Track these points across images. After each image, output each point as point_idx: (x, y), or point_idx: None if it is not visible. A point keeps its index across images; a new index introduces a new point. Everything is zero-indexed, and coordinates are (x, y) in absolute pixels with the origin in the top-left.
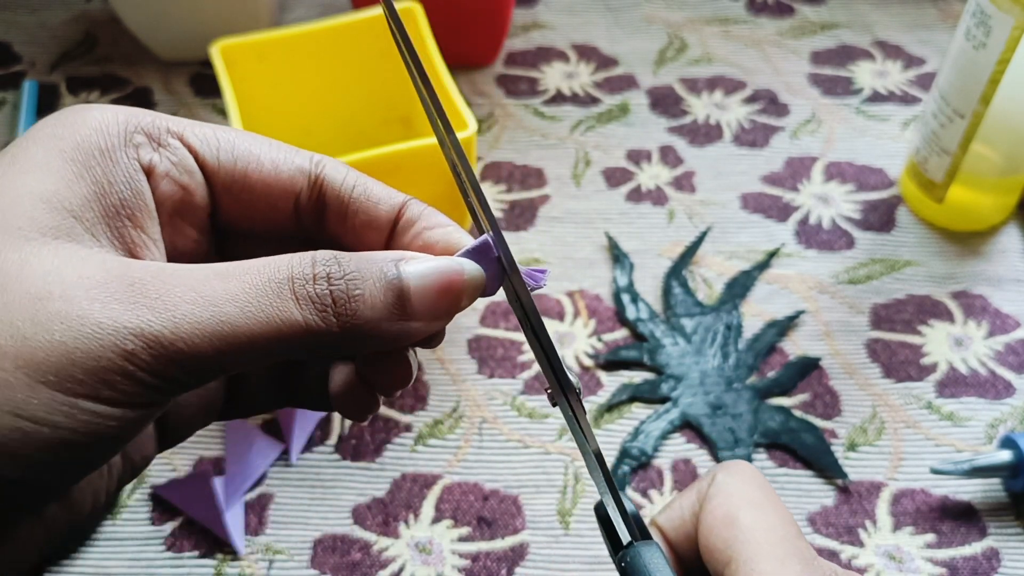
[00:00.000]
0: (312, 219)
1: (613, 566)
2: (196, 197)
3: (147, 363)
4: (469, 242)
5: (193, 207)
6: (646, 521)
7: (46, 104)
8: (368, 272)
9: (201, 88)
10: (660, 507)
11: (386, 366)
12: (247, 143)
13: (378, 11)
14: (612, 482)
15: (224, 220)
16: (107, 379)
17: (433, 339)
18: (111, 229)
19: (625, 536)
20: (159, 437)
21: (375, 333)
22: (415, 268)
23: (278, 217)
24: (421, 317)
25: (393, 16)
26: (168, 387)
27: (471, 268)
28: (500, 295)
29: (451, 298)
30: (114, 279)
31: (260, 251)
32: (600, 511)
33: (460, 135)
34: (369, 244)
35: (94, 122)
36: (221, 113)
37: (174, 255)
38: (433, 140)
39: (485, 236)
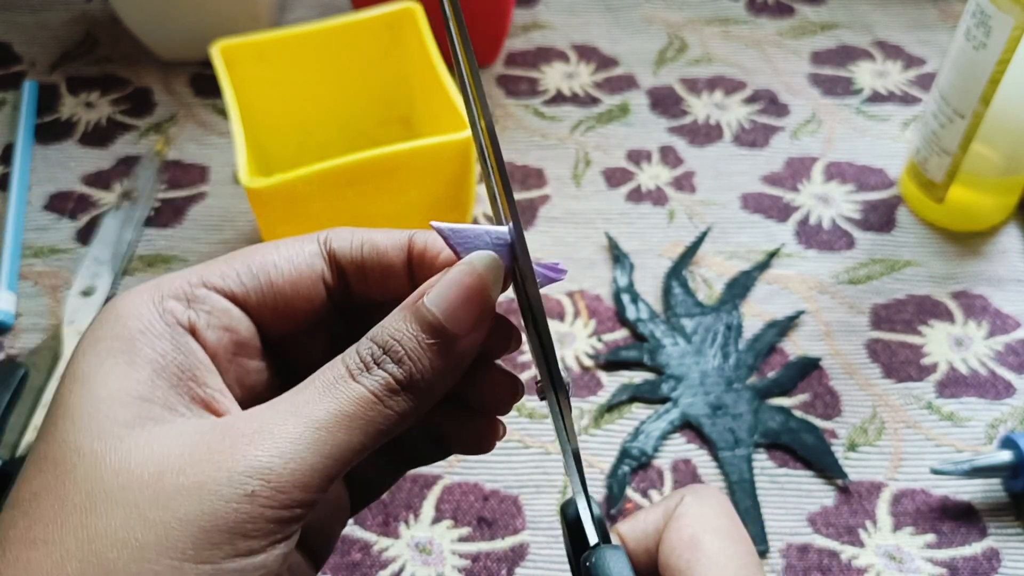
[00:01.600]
0: (342, 294)
1: None
2: (243, 332)
3: (270, 498)
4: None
5: (244, 342)
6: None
7: (46, 104)
8: (398, 331)
9: (201, 88)
10: None
11: (478, 386)
12: (263, 258)
13: (378, 11)
14: (585, 484)
15: (274, 336)
16: (239, 531)
17: (510, 341)
18: (182, 396)
19: (593, 537)
20: (309, 560)
21: (438, 375)
22: (432, 296)
23: (316, 307)
24: (463, 332)
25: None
26: (296, 512)
27: (482, 261)
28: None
29: (478, 300)
30: (209, 437)
31: (315, 347)
32: (567, 511)
33: (460, 135)
34: (395, 293)
35: (126, 310)
36: (221, 113)
37: (248, 392)
38: (432, 140)
39: (492, 227)
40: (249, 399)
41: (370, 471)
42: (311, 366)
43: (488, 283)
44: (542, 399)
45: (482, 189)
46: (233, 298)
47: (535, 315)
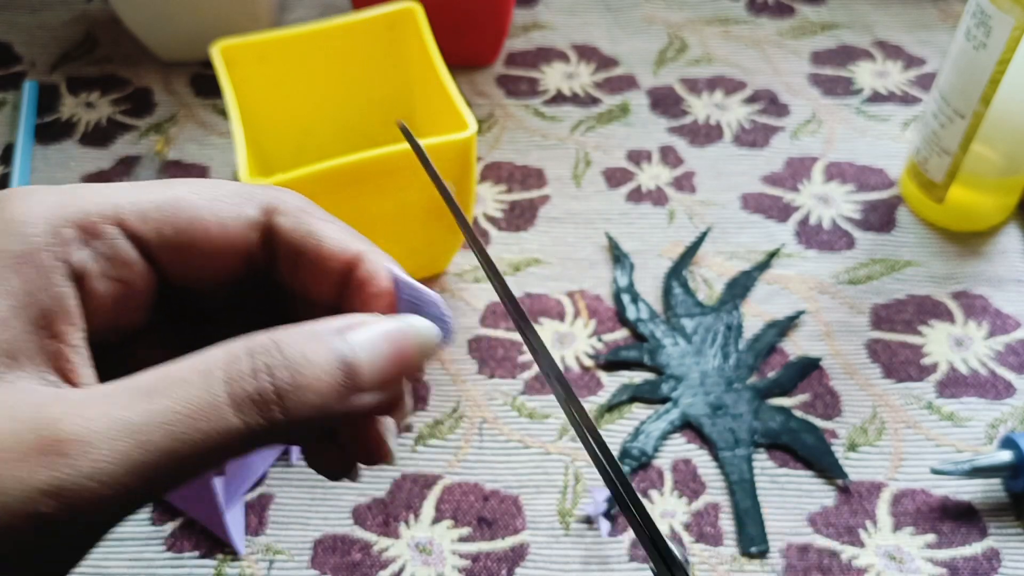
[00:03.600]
0: (267, 268)
1: (613, 566)
2: (137, 286)
3: (66, 522)
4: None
5: (135, 295)
6: None
7: (46, 104)
8: (314, 353)
9: (201, 88)
10: (660, 508)
11: (350, 436)
12: (191, 206)
13: (378, 11)
14: None
15: (175, 286)
16: (23, 553)
17: (395, 410)
18: (32, 345)
19: None
20: None
21: (324, 416)
22: (362, 336)
23: (232, 273)
24: (372, 388)
25: (419, 152)
26: (94, 533)
27: (427, 334)
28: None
29: (404, 363)
30: (23, 428)
31: (217, 309)
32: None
33: (461, 135)
34: (319, 295)
35: (19, 217)
36: (221, 113)
37: (121, 335)
38: (433, 140)
39: (442, 304)
40: (121, 340)
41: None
42: (201, 312)
43: (422, 358)
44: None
45: (482, 189)
46: (143, 246)
47: (633, 507)
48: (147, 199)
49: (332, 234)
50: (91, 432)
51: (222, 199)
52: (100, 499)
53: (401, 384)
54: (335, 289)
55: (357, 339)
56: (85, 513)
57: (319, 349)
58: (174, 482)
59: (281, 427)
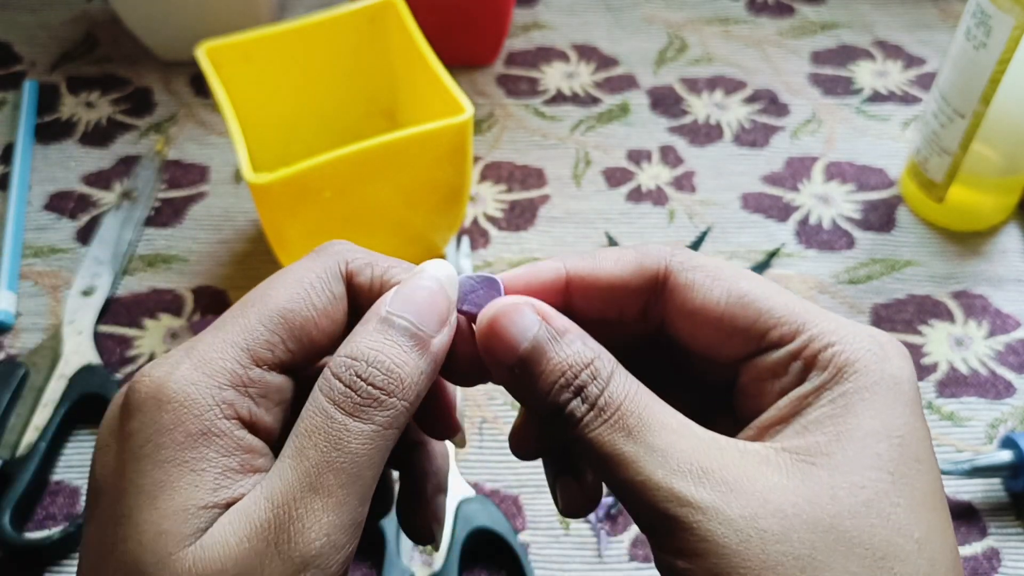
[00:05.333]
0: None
1: (613, 566)
2: (288, 394)
3: None
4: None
5: (287, 398)
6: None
7: (46, 104)
8: (375, 342)
9: (201, 88)
10: None
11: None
12: (300, 315)
13: (357, 5)
14: None
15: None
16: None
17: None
18: (243, 478)
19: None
20: None
21: (421, 380)
22: (397, 305)
23: (337, 340)
24: (434, 331)
25: None
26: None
27: (434, 266)
28: None
29: (441, 298)
30: (265, 537)
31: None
32: None
33: (459, 118)
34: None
35: (183, 402)
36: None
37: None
38: (435, 125)
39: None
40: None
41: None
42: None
43: (444, 283)
44: None
45: (482, 188)
46: (282, 369)
47: None
48: (266, 331)
49: (394, 266)
50: (309, 517)
51: (313, 292)
52: (341, 552)
53: (451, 316)
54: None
55: (392, 308)
56: (335, 566)
57: (374, 337)
58: (371, 494)
59: (401, 410)
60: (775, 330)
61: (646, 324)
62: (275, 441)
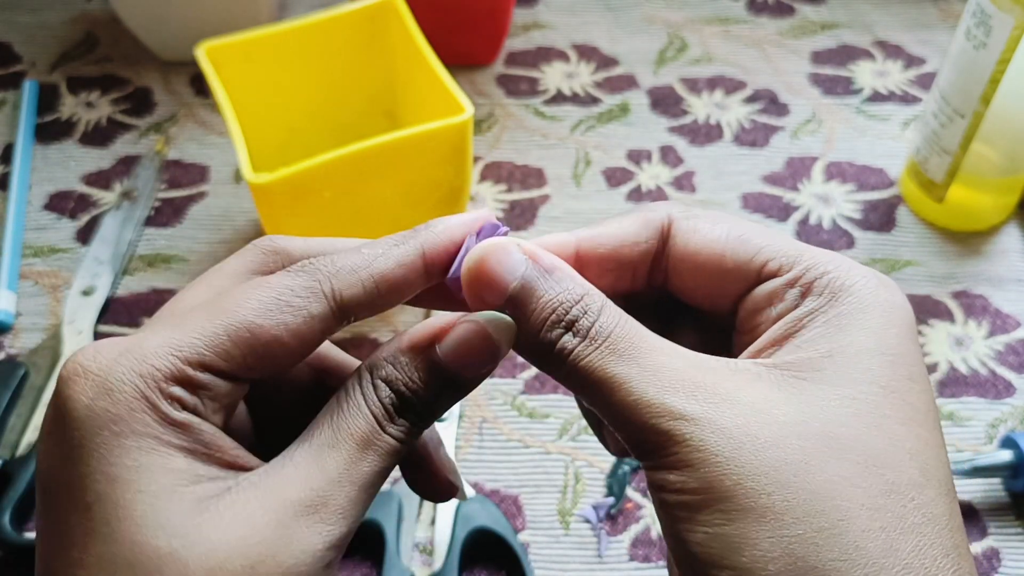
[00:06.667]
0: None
1: (613, 566)
2: (238, 399)
3: (337, 554)
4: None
5: (237, 404)
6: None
7: (46, 104)
8: (415, 380)
9: (201, 88)
10: None
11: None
12: (268, 332)
13: (357, 5)
14: None
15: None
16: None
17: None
18: (217, 467)
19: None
20: None
21: (442, 409)
22: (448, 349)
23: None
24: (471, 377)
25: None
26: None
27: (496, 325)
28: None
29: (490, 357)
30: (278, 513)
31: (287, 396)
32: None
33: (460, 118)
34: (402, 301)
35: (129, 398)
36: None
37: (236, 435)
38: (435, 124)
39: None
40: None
41: None
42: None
43: (500, 344)
44: None
45: (482, 188)
46: (234, 379)
47: None
48: (227, 340)
49: (385, 261)
50: (329, 494)
51: (289, 309)
52: (352, 534)
53: (494, 366)
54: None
55: (442, 351)
56: (345, 545)
57: (415, 376)
58: (376, 489)
59: (418, 432)
60: (773, 261)
61: (652, 289)
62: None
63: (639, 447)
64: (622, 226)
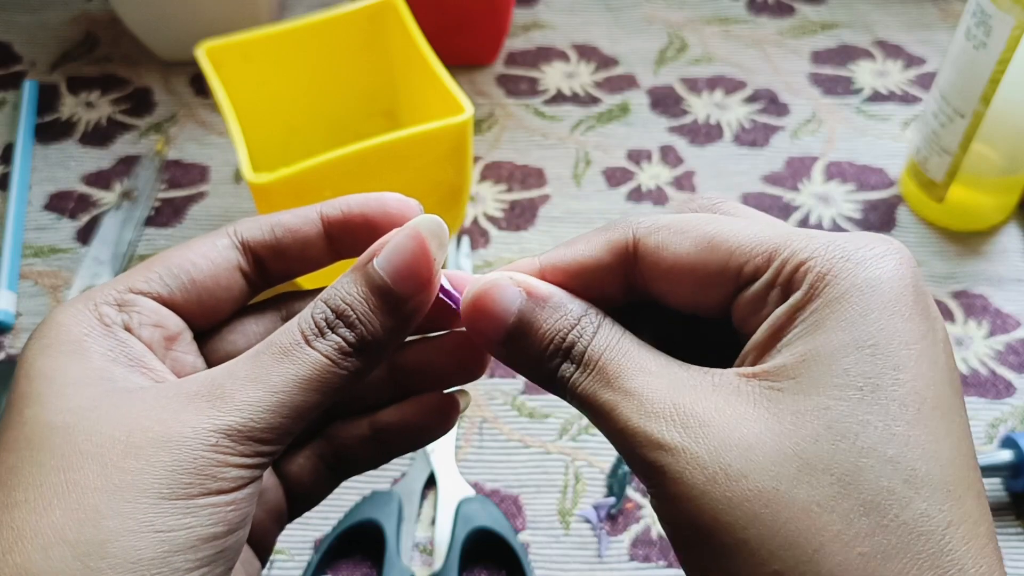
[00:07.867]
0: (260, 278)
1: (613, 566)
2: (172, 328)
3: (233, 449)
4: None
5: (175, 336)
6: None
7: (46, 104)
8: (349, 295)
9: (201, 88)
10: None
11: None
12: (180, 258)
13: (357, 5)
14: None
15: (204, 327)
16: (208, 474)
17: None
18: (138, 376)
19: None
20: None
21: (387, 337)
22: (381, 260)
23: (237, 295)
24: (410, 294)
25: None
26: (261, 460)
27: (426, 225)
28: None
29: (424, 263)
30: (174, 401)
31: (240, 337)
32: None
33: (460, 118)
34: (315, 263)
35: (65, 319)
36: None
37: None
38: (435, 124)
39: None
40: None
41: (308, 479)
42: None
43: (432, 246)
44: None
45: (482, 188)
46: (159, 299)
47: None
48: (145, 270)
49: (289, 215)
50: (234, 390)
51: (197, 243)
52: (256, 433)
53: (433, 279)
54: (326, 249)
55: (376, 264)
56: (249, 445)
57: (350, 289)
58: (306, 417)
59: (361, 362)
60: (748, 264)
61: (636, 296)
62: (161, 354)
63: (637, 473)
64: (584, 249)
